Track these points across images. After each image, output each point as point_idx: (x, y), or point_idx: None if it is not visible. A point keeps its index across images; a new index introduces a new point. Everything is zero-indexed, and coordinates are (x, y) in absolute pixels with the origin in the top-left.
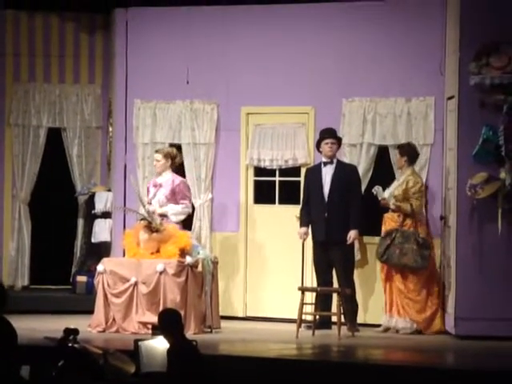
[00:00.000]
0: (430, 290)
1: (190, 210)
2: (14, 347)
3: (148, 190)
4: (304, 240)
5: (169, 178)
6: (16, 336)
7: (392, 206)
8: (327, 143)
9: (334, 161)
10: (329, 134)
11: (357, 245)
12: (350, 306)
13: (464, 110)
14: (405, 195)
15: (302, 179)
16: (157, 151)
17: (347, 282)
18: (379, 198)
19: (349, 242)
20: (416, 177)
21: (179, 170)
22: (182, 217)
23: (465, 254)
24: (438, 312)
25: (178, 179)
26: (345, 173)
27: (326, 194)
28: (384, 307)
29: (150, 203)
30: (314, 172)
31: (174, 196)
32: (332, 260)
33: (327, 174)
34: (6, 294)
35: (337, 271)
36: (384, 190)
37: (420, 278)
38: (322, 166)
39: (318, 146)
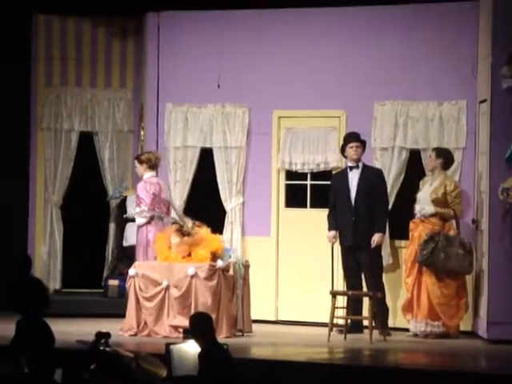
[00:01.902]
0: (461, 295)
1: (148, 214)
2: (51, 350)
3: None
4: (333, 244)
5: (141, 183)
6: (53, 339)
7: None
8: (352, 147)
9: (360, 165)
10: (353, 138)
11: (388, 249)
12: (381, 309)
13: (496, 113)
14: (444, 199)
15: None
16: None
17: (376, 286)
18: (421, 217)
19: (373, 245)
20: (454, 181)
21: (210, 172)
22: (141, 220)
23: (497, 258)
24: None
25: (141, 183)
26: (370, 176)
27: (353, 198)
28: (412, 312)
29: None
30: (341, 177)
31: (137, 200)
32: (360, 264)
33: (353, 178)
34: (47, 292)
35: (365, 275)
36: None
37: (456, 283)
38: (348, 170)
39: (342, 150)
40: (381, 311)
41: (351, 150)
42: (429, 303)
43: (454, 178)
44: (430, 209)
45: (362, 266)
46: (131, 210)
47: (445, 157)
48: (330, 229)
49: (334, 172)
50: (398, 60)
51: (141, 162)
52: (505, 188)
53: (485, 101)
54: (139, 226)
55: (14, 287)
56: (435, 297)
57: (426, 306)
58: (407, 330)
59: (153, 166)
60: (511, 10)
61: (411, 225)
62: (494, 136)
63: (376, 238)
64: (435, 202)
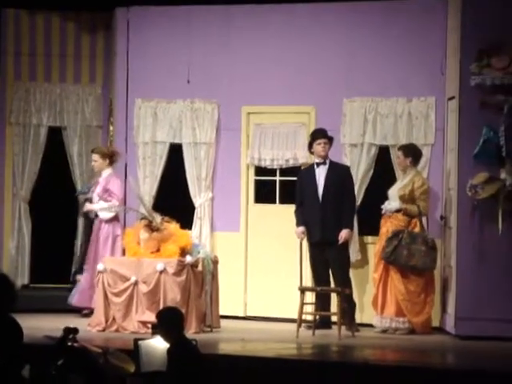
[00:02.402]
0: (428, 292)
1: (118, 209)
2: (19, 346)
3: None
4: (302, 239)
5: (105, 177)
6: (22, 335)
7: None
8: (320, 143)
9: (327, 161)
10: (321, 134)
11: (357, 245)
12: (349, 305)
13: (465, 110)
14: (411, 196)
15: None
16: (93, 151)
17: (344, 282)
18: (388, 214)
19: (340, 241)
20: (422, 178)
21: (179, 167)
22: (110, 214)
23: (465, 254)
24: (432, 314)
25: (113, 178)
26: (338, 173)
27: (321, 194)
28: (377, 308)
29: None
30: (308, 173)
31: (105, 194)
32: (328, 260)
33: (321, 174)
34: (13, 288)
35: (333, 271)
36: (387, 191)
37: (422, 280)
38: (315, 166)
39: (310, 146)
40: (348, 307)
41: (319, 147)
42: (395, 299)
43: (423, 175)
44: (395, 204)
45: (329, 261)
46: (97, 205)
47: (413, 154)
48: (298, 225)
49: (300, 169)
50: (368, 56)
51: (104, 157)
52: (473, 185)
53: (453, 98)
54: (105, 221)
55: None
56: (400, 293)
57: (391, 302)
58: (372, 325)
59: (113, 161)
60: (480, 8)
61: (381, 221)
62: (462, 133)
63: (343, 233)
64: (402, 198)
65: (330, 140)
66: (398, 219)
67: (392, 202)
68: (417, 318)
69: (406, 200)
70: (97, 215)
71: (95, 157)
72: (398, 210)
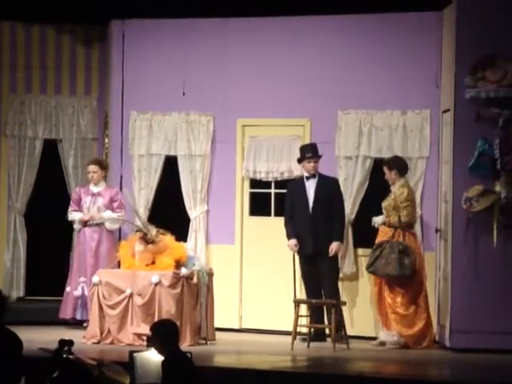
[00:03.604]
0: (418, 305)
1: (122, 222)
2: (19, 358)
3: (79, 198)
4: (294, 252)
5: (105, 188)
6: (22, 347)
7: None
8: (309, 162)
9: (316, 174)
10: (311, 154)
11: (352, 257)
12: (338, 318)
13: (460, 123)
14: (393, 206)
15: None
16: (91, 162)
17: (333, 294)
18: (377, 226)
19: (331, 254)
20: (406, 186)
21: (175, 180)
22: (117, 225)
23: (460, 267)
24: (428, 328)
25: (114, 189)
26: (327, 186)
27: (311, 207)
28: (380, 321)
29: (80, 210)
30: (298, 186)
31: (111, 204)
32: (319, 272)
33: (310, 187)
34: (5, 301)
35: (323, 283)
36: (381, 203)
37: (407, 292)
38: (305, 179)
39: (299, 161)
40: (336, 319)
41: (308, 165)
42: (386, 312)
43: (418, 187)
44: (382, 217)
45: (320, 274)
46: (106, 214)
47: (397, 167)
48: (289, 237)
49: (290, 181)
50: (363, 69)
51: (102, 168)
52: (468, 197)
53: (448, 110)
54: (110, 231)
55: None
56: (388, 306)
57: (384, 315)
58: (369, 338)
59: (106, 174)
60: (474, 20)
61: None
62: (457, 146)
63: (334, 246)
64: (386, 209)
65: (320, 157)
66: (384, 231)
67: (380, 215)
68: (407, 331)
69: (390, 211)
70: (97, 224)
71: (94, 168)
72: (383, 223)
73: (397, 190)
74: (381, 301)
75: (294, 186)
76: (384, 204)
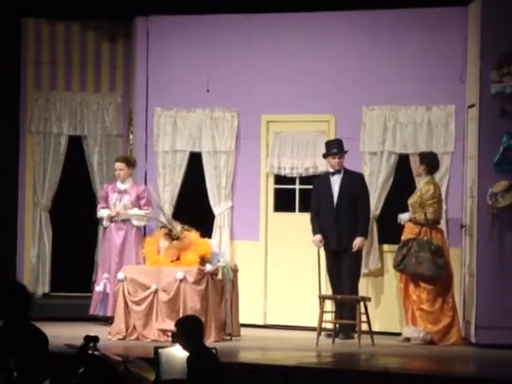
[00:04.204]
0: (444, 301)
1: (150, 219)
2: (45, 354)
3: (107, 195)
4: (320, 247)
5: (132, 185)
6: (47, 344)
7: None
8: (334, 157)
9: (342, 170)
10: (336, 150)
11: (377, 253)
12: (353, 313)
13: (485, 118)
14: (419, 203)
15: None
16: (118, 160)
17: (353, 290)
18: (403, 223)
19: (354, 249)
20: (432, 183)
21: (199, 176)
22: (144, 222)
23: (486, 263)
24: (454, 324)
25: (141, 186)
26: (352, 181)
27: (335, 203)
28: (405, 317)
29: (108, 207)
30: (323, 181)
31: (138, 202)
32: (341, 267)
33: (335, 183)
34: (31, 298)
35: (344, 278)
36: (406, 199)
37: (434, 289)
38: (330, 175)
39: (324, 157)
40: (351, 315)
41: (334, 161)
42: (412, 309)
43: (443, 183)
44: (408, 214)
45: (342, 269)
46: (133, 211)
47: (428, 162)
48: (315, 233)
49: (316, 177)
50: (387, 65)
51: (129, 165)
52: (493, 193)
53: (473, 106)
54: (136, 228)
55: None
56: (414, 302)
57: (410, 311)
58: (391, 333)
59: (133, 170)
60: (499, 15)
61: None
62: (482, 141)
63: (357, 241)
64: (412, 206)
65: (345, 152)
66: (410, 228)
67: (406, 212)
68: (432, 327)
69: (416, 208)
70: (123, 221)
71: (121, 165)
72: (410, 220)
73: (423, 186)
74: (406, 297)
75: (319, 181)
76: (410, 201)
